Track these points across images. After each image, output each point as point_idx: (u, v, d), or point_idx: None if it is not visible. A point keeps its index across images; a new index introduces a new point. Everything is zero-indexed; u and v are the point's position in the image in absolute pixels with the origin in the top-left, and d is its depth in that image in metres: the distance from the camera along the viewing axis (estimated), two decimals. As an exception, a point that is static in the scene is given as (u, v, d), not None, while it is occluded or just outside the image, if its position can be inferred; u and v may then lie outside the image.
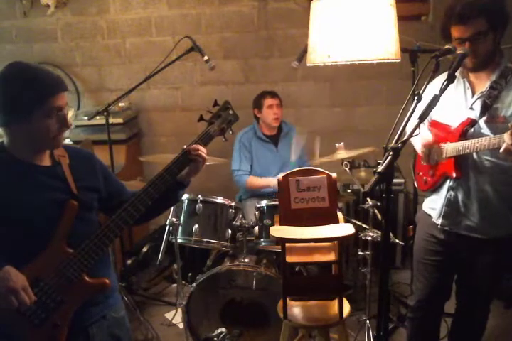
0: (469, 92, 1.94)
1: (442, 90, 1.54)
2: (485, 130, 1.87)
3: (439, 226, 2.06)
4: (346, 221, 2.15)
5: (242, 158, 3.40)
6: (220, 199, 2.81)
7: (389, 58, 1.99)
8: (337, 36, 1.98)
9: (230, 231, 2.75)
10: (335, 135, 3.83)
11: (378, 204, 2.63)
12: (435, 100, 1.51)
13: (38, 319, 1.42)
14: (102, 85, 4.18)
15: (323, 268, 2.79)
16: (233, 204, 2.82)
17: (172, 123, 4.15)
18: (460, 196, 1.99)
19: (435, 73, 1.59)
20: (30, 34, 4.11)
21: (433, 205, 2.11)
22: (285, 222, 2.09)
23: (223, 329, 2.31)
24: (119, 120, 3.75)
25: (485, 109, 1.87)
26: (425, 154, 2.06)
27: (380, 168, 1.35)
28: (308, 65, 2.17)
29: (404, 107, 1.54)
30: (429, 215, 2.13)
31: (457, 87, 1.98)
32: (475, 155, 1.91)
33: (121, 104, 3.81)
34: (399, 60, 2.03)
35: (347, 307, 2.02)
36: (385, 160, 1.37)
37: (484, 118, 1.88)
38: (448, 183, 2.01)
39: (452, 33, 1.86)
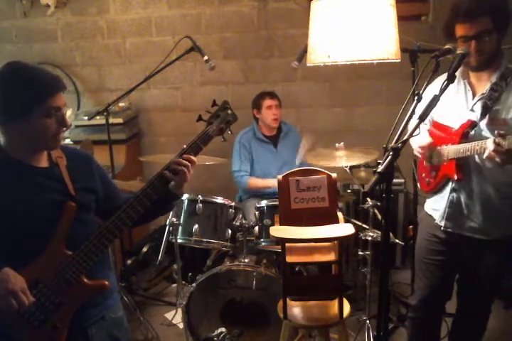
0: (470, 94, 1.94)
1: (442, 90, 1.54)
2: (485, 132, 1.87)
3: (442, 228, 2.06)
4: (346, 221, 2.15)
5: (243, 159, 3.40)
6: (220, 199, 2.81)
7: (389, 58, 1.99)
8: (337, 36, 1.98)
9: (230, 231, 2.75)
10: (335, 135, 3.84)
11: (378, 204, 2.63)
12: (435, 100, 1.51)
13: (37, 321, 1.41)
14: (102, 85, 4.18)
15: (323, 268, 2.79)
16: (233, 204, 2.82)
17: (172, 123, 4.15)
18: (463, 198, 1.99)
19: (435, 73, 1.59)
20: (30, 34, 4.11)
21: (435, 206, 2.11)
22: (285, 222, 2.09)
23: (223, 329, 2.31)
24: (119, 120, 3.76)
25: (485, 110, 1.87)
26: (425, 156, 2.06)
27: (380, 168, 1.35)
28: (308, 65, 2.17)
29: (404, 107, 1.54)
30: (431, 216, 2.13)
31: (458, 89, 1.98)
32: (476, 157, 1.90)
33: (121, 104, 3.81)
34: (399, 60, 2.03)
35: (347, 307, 2.02)
36: (385, 160, 1.37)
37: (485, 120, 1.88)
38: (450, 185, 2.01)
39: (457, 31, 1.84)
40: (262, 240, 2.66)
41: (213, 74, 3.84)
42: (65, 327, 1.44)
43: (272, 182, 3.18)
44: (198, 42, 2.87)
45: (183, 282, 2.86)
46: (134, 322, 2.91)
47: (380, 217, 2.65)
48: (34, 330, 1.41)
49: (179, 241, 2.71)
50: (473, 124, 1.89)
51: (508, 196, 1.94)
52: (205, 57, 2.83)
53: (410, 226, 3.32)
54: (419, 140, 2.01)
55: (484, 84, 1.91)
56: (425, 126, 2.13)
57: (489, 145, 1.68)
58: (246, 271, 2.57)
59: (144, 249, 3.54)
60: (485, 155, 1.71)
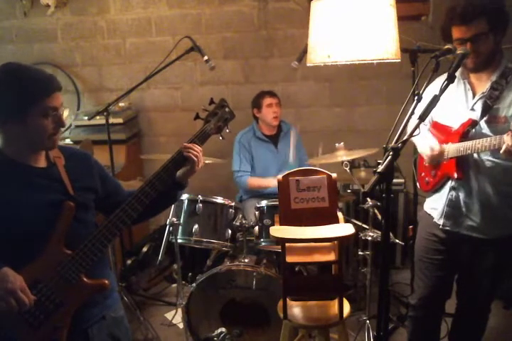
0: (470, 93, 1.94)
1: (442, 90, 1.54)
2: (486, 130, 1.88)
3: (440, 227, 2.07)
4: (346, 221, 2.15)
5: (242, 159, 3.40)
6: (220, 199, 2.81)
7: (389, 58, 1.99)
8: (337, 36, 1.98)
9: (230, 231, 2.75)
10: (335, 135, 3.84)
11: (378, 204, 2.63)
12: (435, 100, 1.51)
13: (37, 321, 1.41)
14: (102, 85, 4.18)
15: (323, 268, 2.79)
16: (233, 204, 2.82)
17: (172, 123, 4.15)
18: (462, 196, 1.99)
19: (435, 73, 1.59)
20: (30, 34, 4.11)
21: (434, 205, 2.11)
22: (285, 222, 2.09)
23: (223, 329, 2.30)
24: (119, 120, 3.76)
25: (486, 109, 1.88)
26: (433, 157, 2.05)
27: (380, 168, 1.35)
28: (308, 65, 2.17)
29: (404, 107, 1.54)
30: (430, 215, 2.13)
31: (458, 88, 1.98)
32: (476, 156, 1.91)
33: (121, 104, 3.81)
34: (399, 60, 2.03)
35: (347, 307, 2.02)
36: (385, 160, 1.37)
37: (485, 118, 1.88)
38: (449, 184, 2.01)
39: (453, 34, 1.86)
40: (262, 240, 2.66)
41: (213, 74, 3.84)
42: (65, 327, 1.44)
43: (272, 182, 3.17)
44: (198, 42, 2.86)
45: (183, 282, 2.86)
46: (134, 322, 2.91)
47: (380, 217, 2.65)
48: (34, 330, 1.41)
49: (179, 241, 2.70)
50: (473, 123, 1.89)
51: (507, 195, 1.94)
52: (205, 57, 2.83)
53: (410, 226, 3.31)
54: (430, 144, 2.01)
55: (484, 84, 1.91)
56: (425, 126, 2.13)
57: (507, 140, 1.66)
58: (246, 271, 2.57)
59: (144, 249, 3.54)
60: (502, 151, 1.69)
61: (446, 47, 1.68)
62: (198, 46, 2.85)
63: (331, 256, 1.97)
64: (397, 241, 2.89)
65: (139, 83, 3.00)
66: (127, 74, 4.09)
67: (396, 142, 1.41)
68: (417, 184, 2.26)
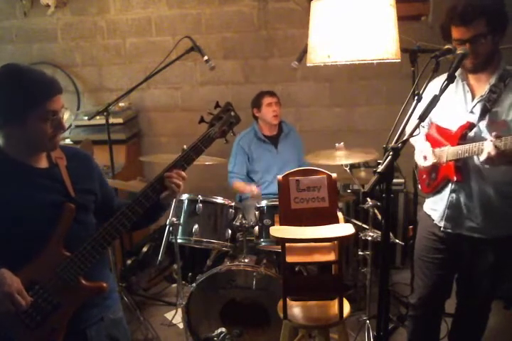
0: (469, 96, 1.94)
1: (442, 90, 1.54)
2: (485, 134, 1.87)
3: (441, 229, 2.07)
4: (346, 221, 2.15)
5: (237, 162, 3.42)
6: (220, 199, 2.81)
7: (389, 58, 1.99)
8: (337, 36, 1.98)
9: (230, 231, 2.75)
10: (335, 135, 3.84)
11: (378, 204, 2.63)
12: (435, 100, 1.51)
13: (34, 322, 1.40)
14: (102, 85, 4.19)
15: (323, 268, 2.79)
16: (233, 204, 2.82)
17: (172, 124, 4.15)
18: (462, 198, 1.99)
19: (435, 73, 1.59)
20: (30, 34, 4.12)
21: (434, 207, 2.11)
22: (285, 222, 2.09)
23: (223, 329, 2.30)
24: (119, 120, 3.76)
25: (485, 112, 1.87)
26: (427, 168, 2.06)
27: (380, 168, 1.35)
28: (308, 65, 2.17)
29: (404, 107, 1.54)
30: (430, 216, 2.13)
31: (457, 90, 1.98)
32: (475, 158, 1.90)
33: (121, 104, 3.81)
34: (399, 60, 2.03)
35: (347, 307, 2.02)
36: (385, 160, 1.37)
37: (484, 121, 1.88)
38: (450, 186, 2.01)
39: (452, 34, 1.85)
40: (262, 240, 2.67)
41: (213, 74, 3.84)
42: (62, 329, 1.43)
43: (253, 191, 3.18)
44: (198, 42, 2.86)
45: (183, 282, 2.86)
46: (134, 323, 2.92)
47: (380, 217, 2.65)
48: (31, 331, 1.40)
49: (179, 241, 2.70)
50: (471, 126, 1.89)
51: (508, 195, 1.94)
52: (205, 57, 2.83)
53: (410, 226, 3.32)
54: (424, 153, 2.01)
55: (483, 86, 1.91)
56: (423, 129, 2.13)
57: (487, 146, 1.69)
58: (246, 271, 2.57)
59: (144, 249, 3.54)
60: (482, 157, 1.72)
61: (446, 47, 1.68)
62: (198, 46, 2.85)
63: (331, 256, 1.97)
64: (397, 241, 2.89)
65: (139, 83, 3.00)
66: (127, 74, 4.10)
67: (396, 142, 1.41)
68: (419, 186, 2.25)
